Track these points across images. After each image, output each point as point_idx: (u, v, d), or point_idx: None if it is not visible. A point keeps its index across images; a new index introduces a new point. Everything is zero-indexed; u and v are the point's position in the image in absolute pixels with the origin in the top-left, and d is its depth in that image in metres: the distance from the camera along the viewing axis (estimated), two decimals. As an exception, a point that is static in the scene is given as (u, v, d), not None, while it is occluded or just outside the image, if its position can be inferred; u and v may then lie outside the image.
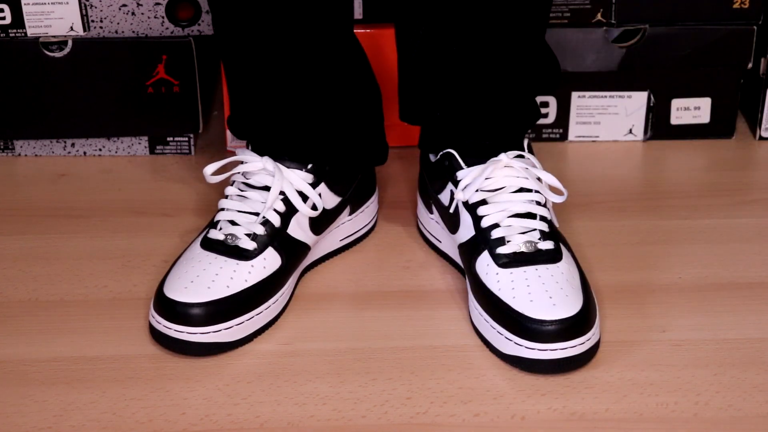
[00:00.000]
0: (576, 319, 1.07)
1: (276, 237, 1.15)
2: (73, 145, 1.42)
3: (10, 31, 1.35)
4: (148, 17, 1.35)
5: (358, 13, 1.37)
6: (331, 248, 1.24)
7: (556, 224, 1.18)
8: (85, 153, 1.43)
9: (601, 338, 1.11)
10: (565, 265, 1.12)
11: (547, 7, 1.18)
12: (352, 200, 1.24)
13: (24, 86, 1.38)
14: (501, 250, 1.12)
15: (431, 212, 1.24)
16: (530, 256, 1.11)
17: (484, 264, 1.12)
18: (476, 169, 1.16)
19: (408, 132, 1.36)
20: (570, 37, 1.39)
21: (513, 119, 1.20)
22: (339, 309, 1.17)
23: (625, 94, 1.44)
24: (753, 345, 1.12)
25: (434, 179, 1.22)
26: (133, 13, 1.34)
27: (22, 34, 1.35)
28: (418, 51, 1.18)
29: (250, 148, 1.20)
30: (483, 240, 1.13)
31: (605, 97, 1.44)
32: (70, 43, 1.36)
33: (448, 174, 1.19)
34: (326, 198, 1.19)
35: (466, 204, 1.16)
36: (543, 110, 1.43)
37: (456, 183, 1.17)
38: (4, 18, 1.34)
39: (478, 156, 1.17)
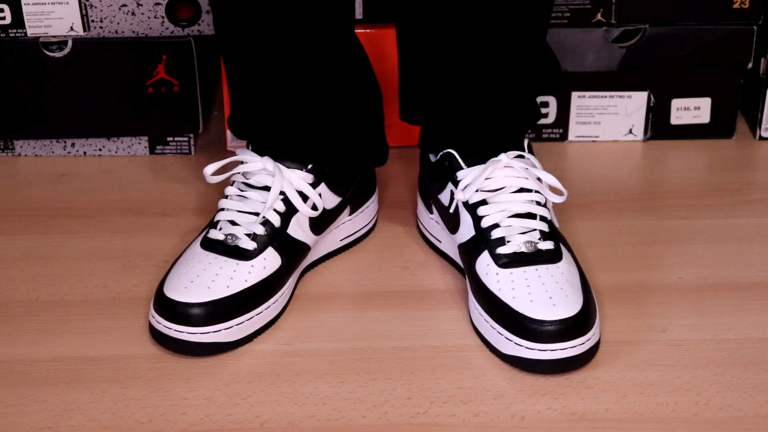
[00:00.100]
0: (576, 320, 1.07)
1: (276, 237, 1.15)
2: (73, 145, 1.42)
3: (10, 31, 1.35)
4: (148, 17, 1.35)
5: (358, 13, 1.37)
6: (331, 248, 1.24)
7: (556, 224, 1.18)
8: (85, 153, 1.43)
9: (601, 338, 1.11)
10: (565, 265, 1.12)
11: (549, 8, 1.18)
12: (352, 200, 1.24)
13: (24, 86, 1.38)
14: (501, 250, 1.12)
15: (431, 212, 1.24)
16: (530, 256, 1.11)
17: (484, 264, 1.12)
18: (476, 170, 1.16)
19: (408, 132, 1.36)
20: (570, 37, 1.39)
21: (513, 119, 1.20)
22: (339, 309, 1.17)
23: (625, 94, 1.44)
24: (753, 345, 1.12)
25: (434, 179, 1.22)
26: (133, 13, 1.34)
27: (22, 34, 1.35)
28: (418, 51, 1.18)
29: (250, 148, 1.20)
30: (483, 240, 1.13)
31: (605, 97, 1.44)
32: (70, 43, 1.36)
33: (448, 174, 1.19)
34: (326, 198, 1.19)
35: (466, 204, 1.16)
36: (543, 110, 1.43)
37: (456, 183, 1.17)
38: (4, 18, 1.34)
39: (478, 156, 1.17)
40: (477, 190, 1.15)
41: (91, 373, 1.08)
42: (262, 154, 1.18)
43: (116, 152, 1.43)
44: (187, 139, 1.43)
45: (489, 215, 1.14)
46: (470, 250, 1.15)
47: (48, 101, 1.38)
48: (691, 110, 1.45)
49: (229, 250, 1.13)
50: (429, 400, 1.05)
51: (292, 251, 1.16)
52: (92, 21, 1.35)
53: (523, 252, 1.12)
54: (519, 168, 1.15)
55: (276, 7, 1.12)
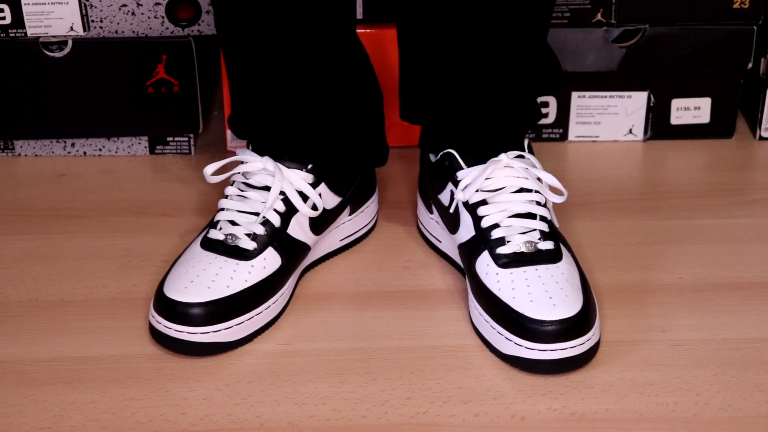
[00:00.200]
0: (576, 320, 1.07)
1: (276, 237, 1.15)
2: (73, 145, 1.42)
3: (10, 31, 1.35)
4: (148, 17, 1.35)
5: (359, 13, 1.37)
6: (331, 248, 1.24)
7: (556, 224, 1.18)
8: (85, 153, 1.43)
9: (601, 338, 1.11)
10: (565, 265, 1.12)
11: (549, 8, 1.18)
12: (353, 200, 1.24)
13: (24, 86, 1.38)
14: (501, 250, 1.12)
15: (431, 212, 1.24)
16: (530, 256, 1.11)
17: (484, 264, 1.12)
18: (476, 170, 1.16)
19: (408, 132, 1.36)
20: (570, 37, 1.39)
21: (513, 119, 1.20)
22: (339, 309, 1.17)
23: (625, 94, 1.44)
24: (753, 345, 1.12)
25: (434, 179, 1.22)
26: (133, 13, 1.34)
27: (22, 34, 1.35)
28: (419, 51, 1.18)
29: (250, 148, 1.20)
30: (483, 240, 1.13)
31: (605, 97, 1.44)
32: (70, 43, 1.36)
33: (448, 174, 1.19)
34: (326, 198, 1.19)
35: (466, 204, 1.16)
36: (543, 110, 1.43)
37: (456, 183, 1.17)
38: (4, 18, 1.34)
39: (479, 156, 1.17)
40: (477, 190, 1.15)
41: (91, 373, 1.08)
42: (262, 154, 1.18)
43: (116, 152, 1.43)
44: (187, 139, 1.43)
45: (489, 215, 1.14)
46: (470, 250, 1.15)
47: (48, 101, 1.38)
48: (691, 110, 1.45)
49: (229, 250, 1.13)
50: (429, 400, 1.05)
51: (292, 251, 1.16)
52: (92, 21, 1.35)
53: (523, 252, 1.12)
54: (519, 168, 1.15)
55: (277, 6, 1.12)
